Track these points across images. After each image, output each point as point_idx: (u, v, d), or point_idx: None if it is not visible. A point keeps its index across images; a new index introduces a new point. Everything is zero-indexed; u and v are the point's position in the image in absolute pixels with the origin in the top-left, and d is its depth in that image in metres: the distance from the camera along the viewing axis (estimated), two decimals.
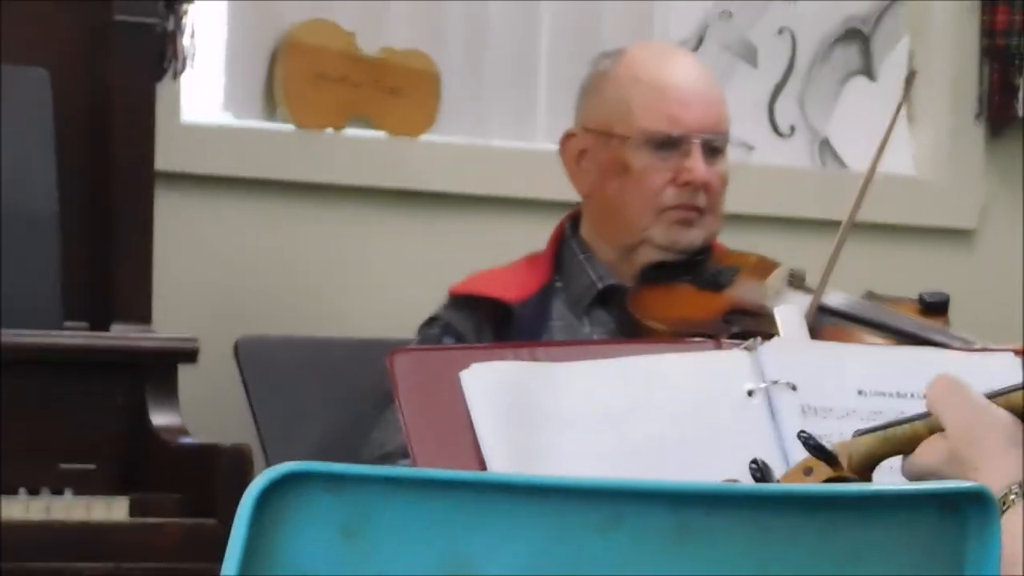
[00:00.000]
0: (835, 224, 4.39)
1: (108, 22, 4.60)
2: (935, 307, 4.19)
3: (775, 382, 2.44)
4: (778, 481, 2.09)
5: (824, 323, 3.86)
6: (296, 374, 4.77)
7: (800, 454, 2.12)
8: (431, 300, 4.45)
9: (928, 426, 2.05)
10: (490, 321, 4.29)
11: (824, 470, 2.06)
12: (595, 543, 1.28)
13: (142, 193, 4.58)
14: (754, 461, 2.09)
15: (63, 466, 4.01)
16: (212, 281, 5.03)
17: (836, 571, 1.46)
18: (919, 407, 2.11)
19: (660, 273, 4.25)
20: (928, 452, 2.04)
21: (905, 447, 2.08)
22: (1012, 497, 1.89)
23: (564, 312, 4.33)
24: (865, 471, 2.10)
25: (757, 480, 2.06)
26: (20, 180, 4.41)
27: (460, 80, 5.36)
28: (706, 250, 4.28)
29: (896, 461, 2.08)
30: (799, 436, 2.09)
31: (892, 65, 5.74)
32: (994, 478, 1.89)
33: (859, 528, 1.46)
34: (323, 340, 4.91)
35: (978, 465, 1.99)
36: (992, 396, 2.08)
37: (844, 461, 2.11)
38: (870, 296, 4.25)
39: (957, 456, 2.03)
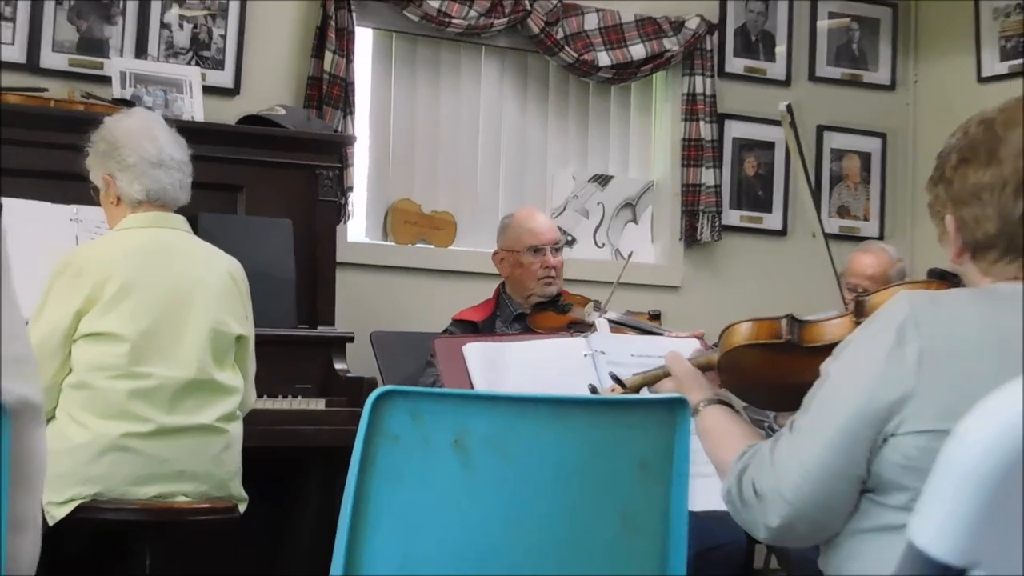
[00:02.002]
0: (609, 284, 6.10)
1: (316, 199, 6.23)
2: (655, 316, 5.79)
3: (597, 351, 4.12)
4: (598, 392, 3.58)
5: (612, 326, 5.23)
6: (405, 354, 6.18)
7: (610, 383, 3.43)
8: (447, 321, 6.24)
9: (665, 372, 3.22)
10: (470, 329, 5.99)
11: (620, 390, 3.31)
12: (515, 419, 2.44)
13: (329, 273, 6.28)
14: (590, 385, 3.66)
15: (297, 386, 5.72)
16: (364, 305, 6.73)
17: (614, 441, 2.59)
18: (660, 363, 3.29)
19: (539, 307, 6.13)
20: (665, 384, 3.18)
21: (656, 382, 3.25)
22: (700, 407, 2.98)
23: (501, 325, 6.19)
24: (637, 391, 3.28)
25: (592, 392, 3.59)
26: (275, 263, 5.84)
27: (464, 224, 7.36)
28: (558, 296, 6.19)
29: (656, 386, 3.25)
30: (609, 375, 3.48)
31: (647, 216, 7.87)
32: (692, 397, 3.00)
33: (630, 416, 2.72)
34: (411, 334, 6.32)
35: (685, 391, 3.04)
36: (691, 359, 3.26)
37: (630, 386, 3.31)
38: (628, 312, 5.68)
39: (678, 387, 3.12)
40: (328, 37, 6.62)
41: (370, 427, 2.15)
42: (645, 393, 3.17)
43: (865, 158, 8.20)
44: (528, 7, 7.07)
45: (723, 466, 2.73)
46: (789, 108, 5.53)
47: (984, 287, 2.58)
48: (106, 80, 6.13)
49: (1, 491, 1.73)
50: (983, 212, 2.51)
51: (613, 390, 3.24)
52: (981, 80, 7.82)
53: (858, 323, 2.91)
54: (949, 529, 0.88)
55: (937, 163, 2.68)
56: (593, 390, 3.36)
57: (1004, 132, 2.55)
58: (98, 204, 4.76)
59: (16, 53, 6.06)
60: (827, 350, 2.79)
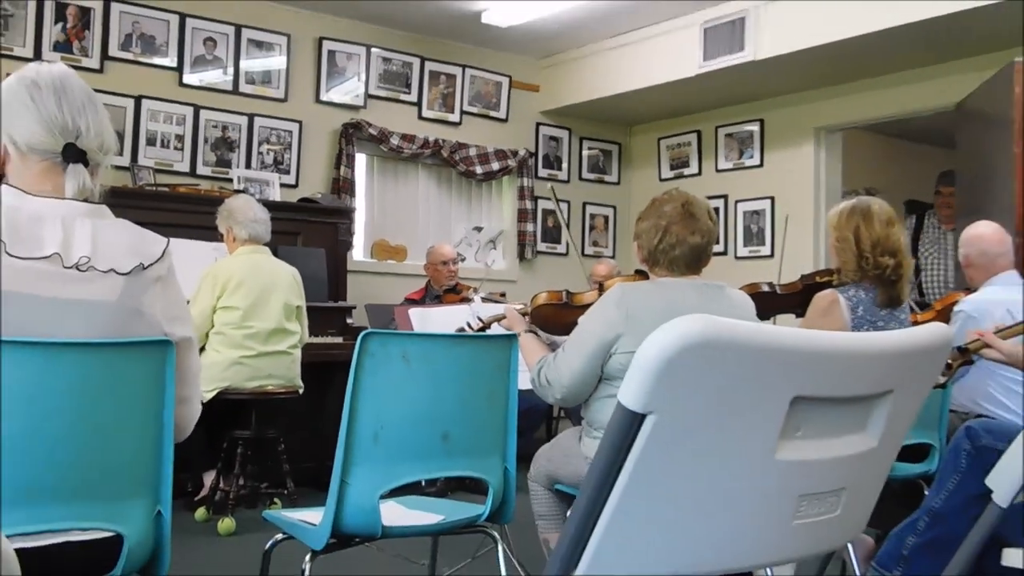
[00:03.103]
0: (481, 280, 6.17)
1: (337, 239, 5.88)
2: (503, 295, 5.49)
3: (475, 312, 3.59)
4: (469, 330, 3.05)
5: (482, 300, 4.74)
6: (381, 315, 5.72)
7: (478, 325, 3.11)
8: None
9: (503, 317, 3.02)
10: (413, 303, 5.51)
11: (481, 327, 3.05)
12: (433, 344, 2.18)
13: (343, 275, 5.94)
14: (465, 324, 3.15)
15: (328, 331, 5.36)
16: (361, 291, 6.18)
17: (482, 354, 2.22)
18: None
19: (447, 291, 5.81)
20: (505, 323, 2.96)
21: (500, 321, 3.02)
22: (520, 334, 2.73)
23: (428, 300, 5.80)
24: (489, 327, 3.01)
25: (465, 330, 3.06)
26: (317, 270, 5.52)
27: (412, 252, 6.84)
28: (456, 285, 5.91)
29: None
30: (477, 319, 3.17)
31: (502, 246, 7.25)
32: (516, 329, 2.82)
33: (477, 342, 2.28)
34: (384, 305, 5.79)
35: (514, 328, 2.85)
36: (519, 310, 3.00)
37: (485, 322, 3.07)
38: (490, 293, 5.52)
39: (509, 325, 2.93)
40: (343, 158, 6.51)
41: (360, 350, 2.02)
42: (497, 329, 3.00)
43: (605, 219, 7.98)
44: (441, 145, 6.90)
45: (531, 366, 2.67)
46: (552, 188, 5.73)
47: (657, 280, 2.61)
48: (229, 179, 6.04)
49: (167, 385, 1.64)
50: (648, 243, 2.60)
51: (480, 328, 3.10)
52: (661, 180, 7.59)
53: (599, 295, 2.84)
54: (633, 391, 0.81)
55: (637, 220, 2.70)
56: (462, 330, 3.08)
57: (659, 206, 2.61)
58: (223, 241, 4.66)
59: (186, 167, 6.02)
60: (584, 308, 2.75)
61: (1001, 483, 1.22)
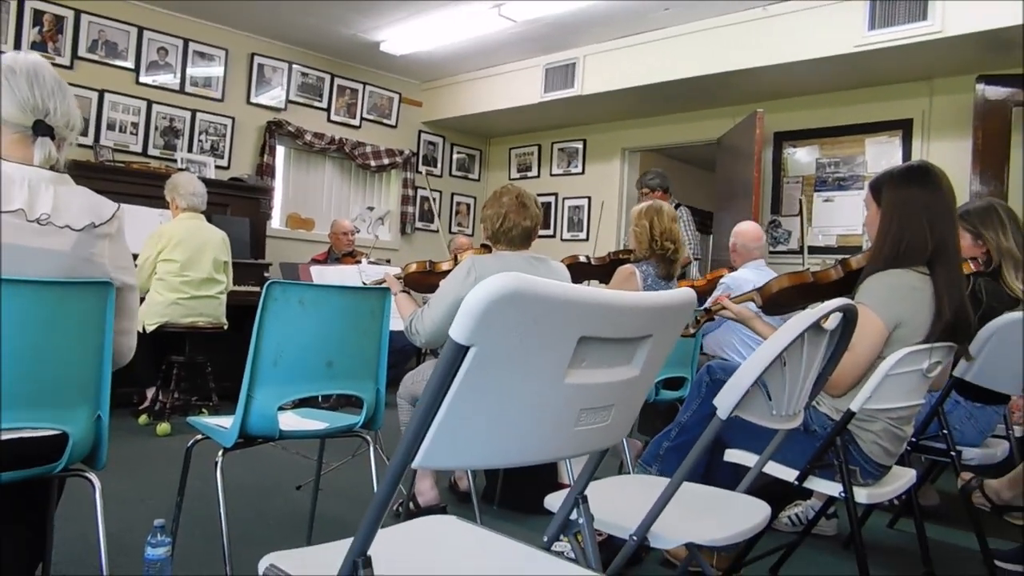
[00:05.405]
0: (372, 248, 6.01)
1: (259, 211, 5.56)
2: (387, 261, 5.04)
3: (363, 272, 3.51)
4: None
5: (370, 264, 4.04)
6: (290, 271, 5.43)
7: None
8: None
9: (385, 280, 2.74)
10: (317, 262, 5.16)
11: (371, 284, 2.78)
12: (319, 292, 1.98)
13: (262, 239, 5.62)
14: (363, 283, 3.11)
15: (248, 281, 4.94)
16: (276, 252, 6.00)
17: (361, 303, 2.03)
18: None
19: (345, 255, 5.44)
20: (386, 285, 2.39)
21: (382, 283, 2.64)
22: (396, 293, 2.57)
23: (330, 261, 5.39)
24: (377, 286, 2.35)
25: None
26: (241, 235, 5.28)
27: (319, 223, 6.54)
28: (352, 251, 5.50)
29: None
30: (363, 283, 3.06)
31: (389, 222, 6.89)
32: (394, 289, 2.59)
33: (364, 293, 2.04)
34: (293, 263, 5.38)
35: (392, 287, 2.54)
36: (396, 275, 2.83)
37: (371, 284, 2.72)
38: (376, 259, 4.94)
39: (390, 284, 2.66)
40: (266, 148, 6.21)
41: (266, 295, 1.90)
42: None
43: (468, 206, 7.75)
44: (344, 143, 6.65)
45: (404, 318, 2.54)
46: (426, 176, 5.91)
47: (498, 252, 2.53)
48: (175, 160, 5.71)
49: (107, 316, 1.54)
50: (492, 225, 2.53)
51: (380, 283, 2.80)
52: (510, 179, 7.33)
53: (455, 264, 2.80)
54: (460, 329, 0.77)
55: (483, 207, 2.58)
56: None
57: (499, 197, 2.55)
58: (168, 209, 4.41)
59: (139, 149, 5.62)
60: (443, 274, 2.73)
61: (722, 403, 1.26)
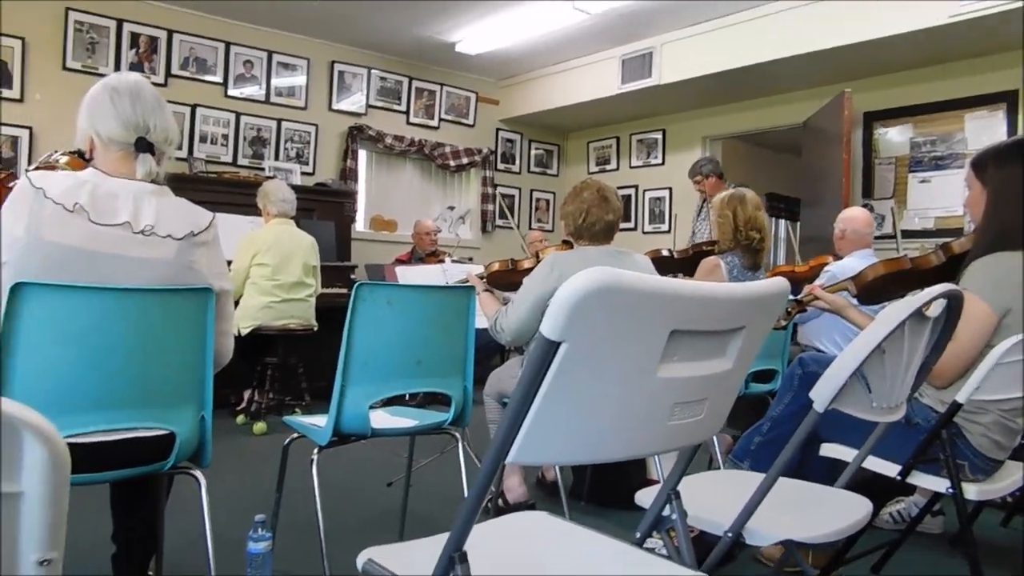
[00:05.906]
0: (455, 247, 5.96)
1: (343, 214, 5.68)
2: (469, 259, 5.17)
3: (448, 271, 3.58)
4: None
5: (454, 263, 4.08)
6: (376, 272, 5.67)
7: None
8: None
9: (469, 279, 2.72)
10: (401, 263, 4.96)
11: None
12: (408, 293, 1.98)
13: (348, 242, 5.70)
14: (447, 282, 3.08)
15: (336, 283, 5.02)
16: (362, 254, 5.97)
17: (450, 300, 2.06)
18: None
19: (429, 255, 5.49)
20: (470, 283, 2.57)
21: (467, 282, 2.60)
22: (479, 292, 2.53)
23: (414, 262, 5.38)
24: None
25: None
26: (328, 238, 5.29)
27: (401, 225, 6.60)
28: (435, 251, 5.57)
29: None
30: (447, 283, 2.99)
31: (470, 221, 6.82)
32: (478, 288, 2.58)
33: (453, 293, 2.06)
34: (379, 264, 5.62)
35: (476, 285, 2.55)
36: (478, 275, 2.81)
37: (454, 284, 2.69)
38: (459, 258, 5.01)
39: (473, 282, 2.62)
40: (349, 153, 6.29)
41: (355, 297, 1.91)
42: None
43: (547, 202, 7.69)
44: (424, 144, 6.68)
45: (489, 316, 2.54)
46: (502, 201, 5.64)
47: (580, 248, 2.50)
48: (263, 168, 5.87)
49: (208, 320, 1.59)
50: (574, 221, 2.49)
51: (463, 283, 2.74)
52: (589, 173, 7.15)
53: (537, 262, 2.73)
54: (551, 324, 0.77)
55: (563, 204, 2.56)
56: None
57: (580, 192, 2.52)
58: (257, 215, 4.52)
59: (229, 159, 5.82)
60: (525, 272, 2.70)
61: (819, 396, 1.22)
